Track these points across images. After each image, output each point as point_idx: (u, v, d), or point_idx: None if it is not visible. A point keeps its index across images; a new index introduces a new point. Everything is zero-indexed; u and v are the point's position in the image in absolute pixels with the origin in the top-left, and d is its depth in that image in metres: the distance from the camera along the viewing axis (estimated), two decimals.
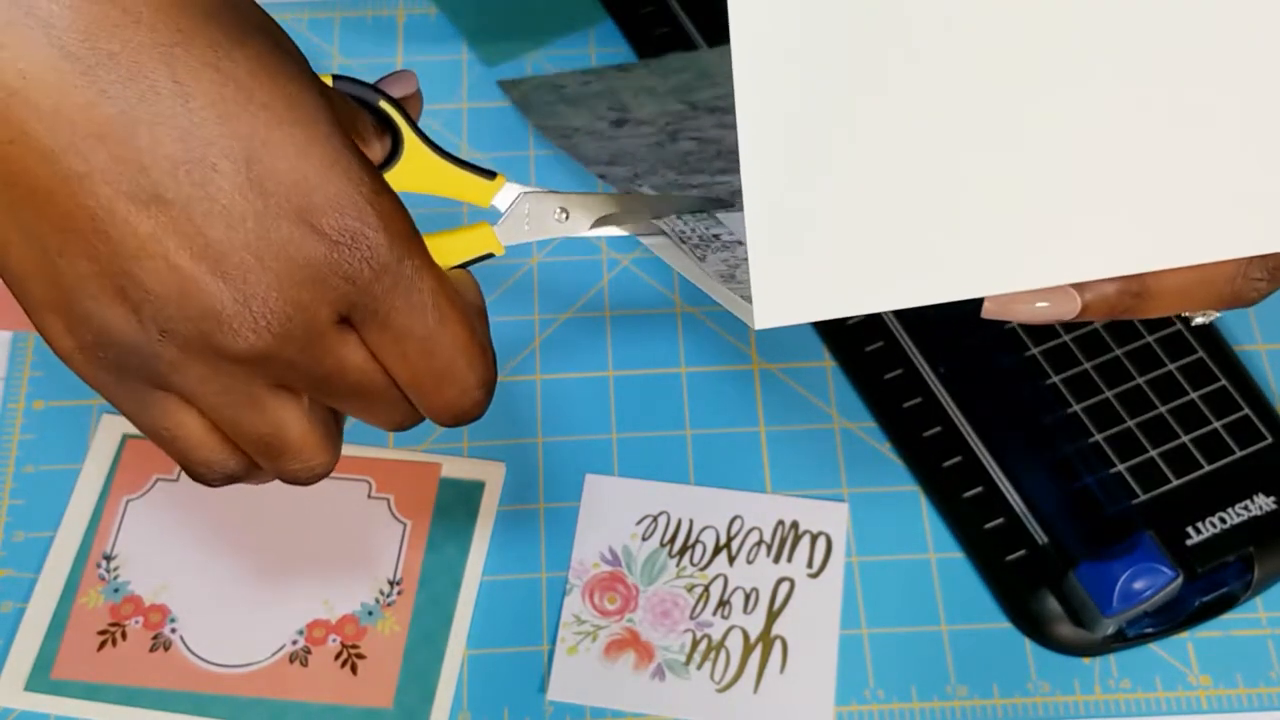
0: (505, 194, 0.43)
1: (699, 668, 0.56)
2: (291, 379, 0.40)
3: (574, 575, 0.58)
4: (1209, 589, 0.57)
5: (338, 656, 0.56)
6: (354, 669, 0.56)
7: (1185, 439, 0.60)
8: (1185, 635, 0.57)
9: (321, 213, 0.37)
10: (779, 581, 0.58)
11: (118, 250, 0.37)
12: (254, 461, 0.42)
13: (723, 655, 0.56)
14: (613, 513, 0.59)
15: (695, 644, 0.57)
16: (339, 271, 0.38)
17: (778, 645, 0.57)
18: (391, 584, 0.58)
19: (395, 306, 0.39)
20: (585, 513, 0.59)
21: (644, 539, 0.59)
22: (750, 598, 0.58)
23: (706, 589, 0.58)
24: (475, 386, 0.41)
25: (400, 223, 0.39)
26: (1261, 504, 0.58)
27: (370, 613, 0.57)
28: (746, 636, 0.57)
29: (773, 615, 0.57)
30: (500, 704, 0.56)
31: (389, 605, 0.57)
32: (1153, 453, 0.60)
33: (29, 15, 0.35)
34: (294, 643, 0.57)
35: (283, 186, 0.37)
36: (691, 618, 0.57)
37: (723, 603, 0.58)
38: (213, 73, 0.36)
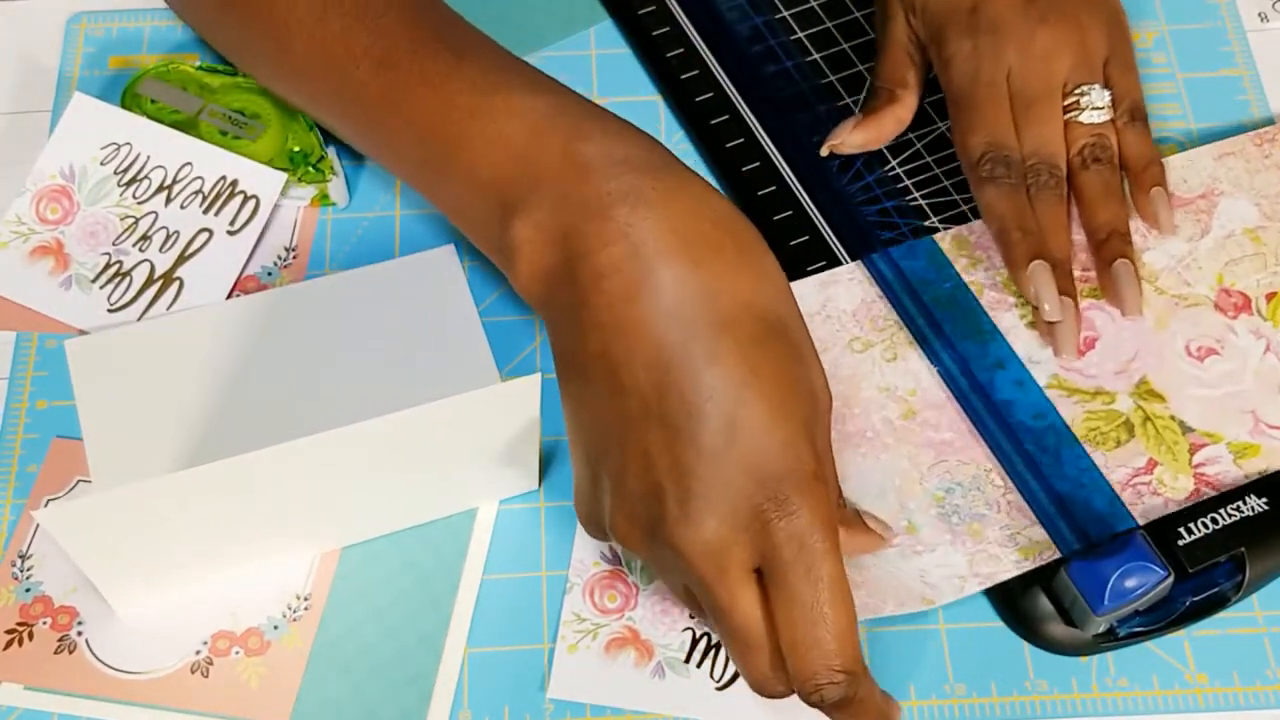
0: None
1: (699, 665, 0.56)
2: (697, 594, 0.50)
3: (574, 574, 0.58)
4: (1200, 589, 0.57)
5: (239, 670, 0.56)
6: (253, 683, 0.55)
7: None
8: (1182, 634, 0.58)
9: (768, 477, 0.48)
10: None
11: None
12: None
13: (722, 653, 0.57)
14: None
15: (695, 642, 0.57)
16: (764, 525, 0.48)
17: None
18: (300, 599, 0.57)
19: (796, 572, 0.48)
20: None
21: None
22: None
23: None
24: (839, 668, 0.48)
25: (825, 508, 0.48)
26: (1253, 505, 0.58)
27: (275, 627, 0.57)
28: None
29: None
30: (501, 702, 0.56)
31: (295, 620, 0.57)
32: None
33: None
34: (197, 653, 0.56)
35: (748, 446, 0.48)
36: (692, 616, 0.57)
37: None
38: (742, 364, 0.49)
